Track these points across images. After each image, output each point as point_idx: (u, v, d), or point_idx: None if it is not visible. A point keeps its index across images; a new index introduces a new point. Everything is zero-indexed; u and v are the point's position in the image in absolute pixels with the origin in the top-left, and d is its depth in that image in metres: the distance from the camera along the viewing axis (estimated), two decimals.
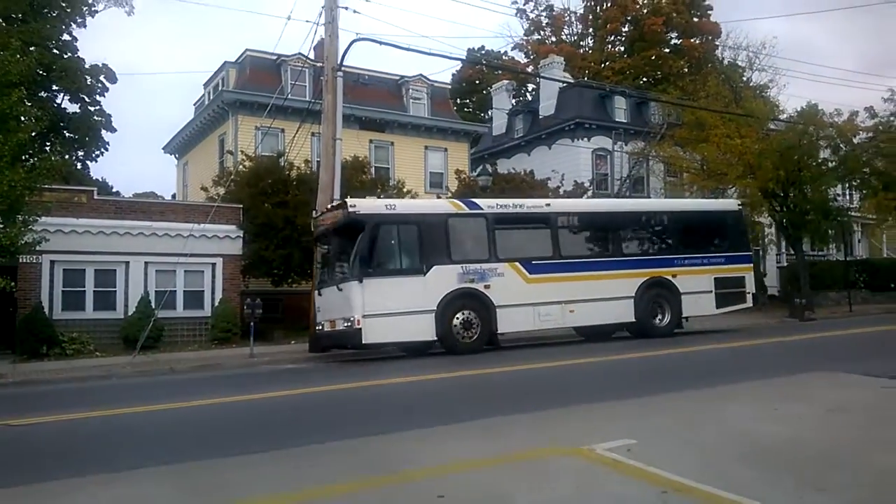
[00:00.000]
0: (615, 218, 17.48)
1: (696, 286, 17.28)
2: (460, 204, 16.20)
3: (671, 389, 8.14)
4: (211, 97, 33.65)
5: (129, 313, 19.89)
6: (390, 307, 13.97)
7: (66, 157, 30.80)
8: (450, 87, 40.77)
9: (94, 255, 20.00)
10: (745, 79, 32.94)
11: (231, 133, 29.55)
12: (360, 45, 19.80)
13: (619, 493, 4.29)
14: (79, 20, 32.88)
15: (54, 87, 32.01)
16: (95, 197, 21.29)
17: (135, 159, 67.16)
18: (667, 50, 50.70)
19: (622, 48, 53.10)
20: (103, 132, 34.09)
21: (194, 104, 37.08)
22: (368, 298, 13.83)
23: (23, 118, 17.32)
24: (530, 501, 4.27)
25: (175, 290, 20.58)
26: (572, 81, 38.98)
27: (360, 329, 13.71)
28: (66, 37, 32.29)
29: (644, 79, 49.82)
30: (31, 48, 25.44)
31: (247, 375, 13.86)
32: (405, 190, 25.14)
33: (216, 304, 21.08)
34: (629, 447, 5.17)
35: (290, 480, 4.79)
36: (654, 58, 49.42)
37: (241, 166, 24.12)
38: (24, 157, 18.44)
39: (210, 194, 24.00)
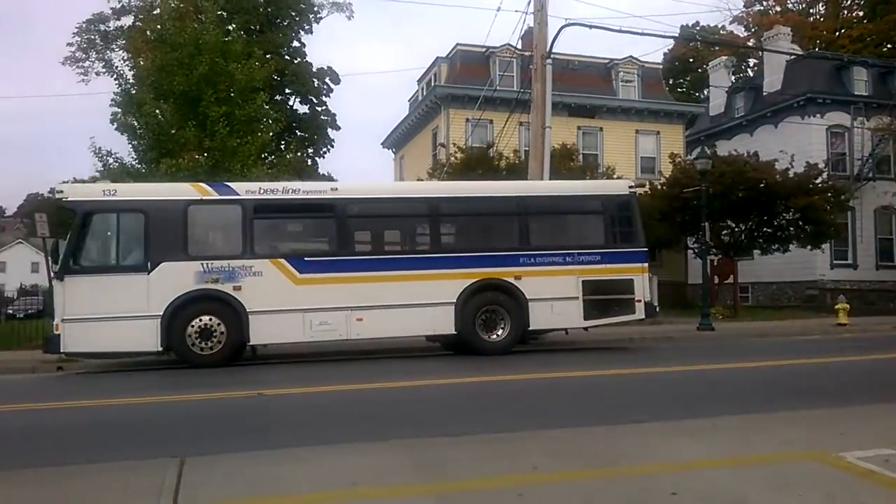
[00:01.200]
0: (433, 205, 13.84)
1: (552, 291, 13.55)
2: (207, 188, 13.13)
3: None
4: (424, 93, 35.11)
5: None
6: (99, 311, 11.88)
7: (299, 154, 33.85)
8: (661, 67, 38.97)
9: None
10: None
11: (443, 126, 30.65)
12: (568, 31, 19.55)
13: None
14: (306, 27, 35.98)
15: (287, 91, 35.29)
16: None
17: (356, 154, 72.21)
18: None
19: (861, 13, 47.48)
20: (329, 130, 37.03)
21: (408, 100, 38.95)
22: (70, 299, 11.93)
23: (263, 120, 19.31)
24: None
25: None
26: (802, 53, 35.54)
27: (59, 335, 11.87)
28: (295, 44, 35.46)
29: (889, 45, 44.18)
30: (268, 56, 28.22)
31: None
32: (615, 176, 24.52)
33: None
34: (887, 458, 4.60)
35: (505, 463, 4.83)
36: None
37: (452, 158, 24.94)
38: (263, 156, 20.53)
39: None
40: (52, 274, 12.74)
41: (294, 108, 35.65)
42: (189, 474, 4.38)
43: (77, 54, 34.00)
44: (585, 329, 14.64)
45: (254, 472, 4.50)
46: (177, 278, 12.21)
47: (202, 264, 12.33)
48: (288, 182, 14.16)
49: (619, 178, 24.57)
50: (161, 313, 12.04)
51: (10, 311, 30.29)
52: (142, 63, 20.65)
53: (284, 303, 12.53)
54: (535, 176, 17.68)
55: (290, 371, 12.14)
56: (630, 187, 14.72)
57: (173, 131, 17.10)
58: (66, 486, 4.46)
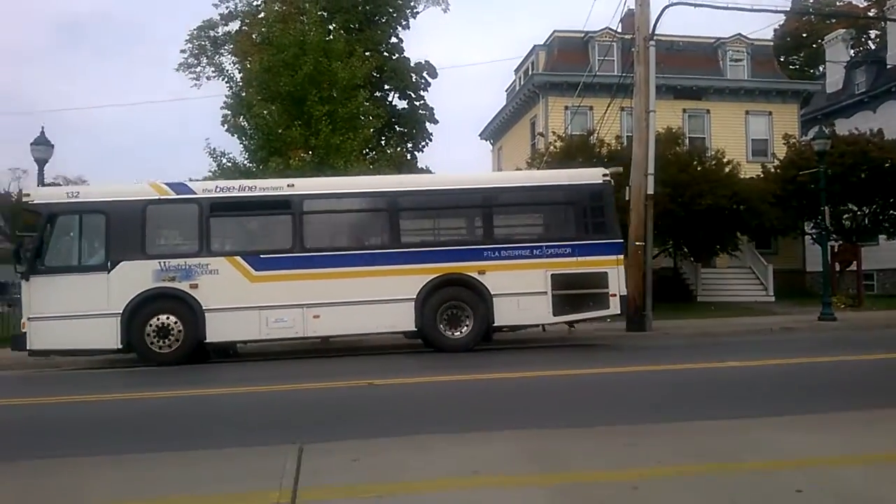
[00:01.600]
0: (392, 199, 13.43)
1: (518, 286, 13.05)
2: (165, 188, 13.25)
3: None
4: (521, 82, 34.89)
5: None
6: (63, 309, 12.23)
7: (399, 149, 34.39)
8: (772, 44, 37.05)
9: None
10: None
11: (541, 115, 30.38)
12: (672, 10, 18.83)
13: None
14: (403, 23, 36.37)
15: (386, 87, 35.85)
16: None
17: (453, 147, 72.75)
18: None
19: None
20: (427, 124, 37.35)
21: (506, 90, 38.78)
22: (35, 298, 12.35)
23: (363, 117, 19.72)
24: None
25: None
26: None
27: (26, 333, 12.28)
28: (393, 40, 35.93)
29: None
30: (367, 53, 28.78)
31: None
32: (725, 160, 23.57)
33: None
34: None
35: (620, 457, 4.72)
36: None
37: (552, 147, 24.67)
38: (364, 152, 20.97)
39: None
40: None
41: (393, 103, 36.19)
42: (308, 460, 4.52)
43: (189, 60, 35.84)
44: (570, 325, 14.25)
45: (373, 459, 4.60)
46: (136, 277, 12.48)
47: (160, 263, 12.57)
48: (245, 180, 14.30)
49: (728, 162, 23.61)
50: (121, 311, 12.33)
51: None
52: (249, 65, 21.50)
53: (240, 300, 12.60)
54: (640, 162, 17.23)
55: (364, 364, 12.33)
56: (604, 175, 13.92)
57: (280, 131, 17.72)
58: (193, 469, 4.70)
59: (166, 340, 12.55)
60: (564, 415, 6.64)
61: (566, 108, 27.94)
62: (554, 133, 25.02)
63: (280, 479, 4.16)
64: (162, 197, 13.05)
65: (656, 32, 18.07)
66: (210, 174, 20.79)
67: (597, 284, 13.22)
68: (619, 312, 13.58)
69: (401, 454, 4.83)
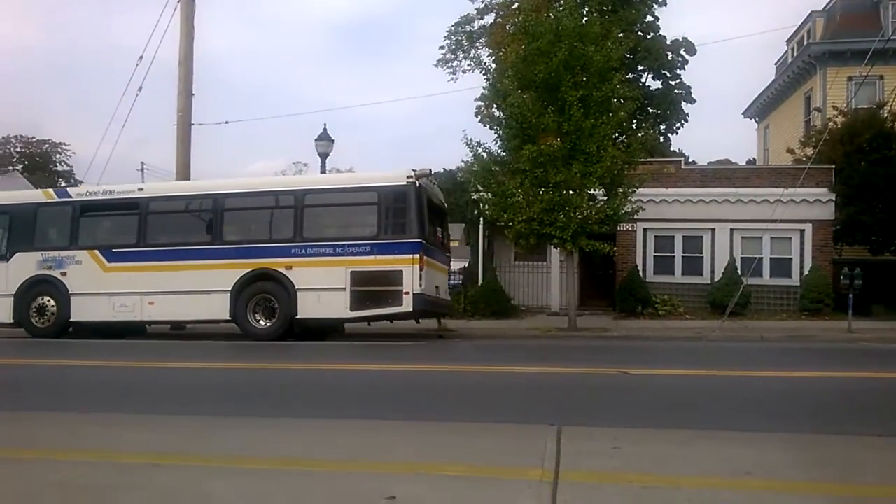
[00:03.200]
0: (218, 200, 15.28)
1: (320, 281, 14.15)
2: (52, 194, 16.87)
3: None
4: (795, 53, 31.83)
5: (716, 279, 20.35)
6: None
7: (651, 131, 33.06)
8: None
9: (681, 222, 21.20)
10: None
11: (819, 88, 27.44)
12: None
13: None
14: (660, 1, 34.74)
15: (639, 68, 34.57)
16: (682, 167, 22.37)
17: (708, 127, 68.12)
18: None
19: None
20: (683, 104, 35.42)
21: (775, 63, 35.58)
22: None
23: (617, 100, 19.19)
24: None
25: (761, 257, 20.21)
26: None
27: None
28: (648, 18, 34.47)
29: None
30: (621, 34, 27.94)
31: (844, 351, 12.73)
32: None
33: (805, 272, 19.94)
34: None
35: None
36: None
37: (831, 123, 22.16)
38: (615, 136, 20.41)
39: (796, 156, 22.76)
40: None
41: (646, 84, 34.80)
42: (567, 443, 4.51)
43: (447, 56, 37.56)
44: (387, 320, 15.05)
45: (634, 449, 4.46)
46: (25, 265, 15.67)
47: (41, 254, 15.68)
48: (108, 185, 16.82)
49: None
50: (14, 293, 15.58)
51: None
52: (503, 56, 21.97)
53: (96, 287, 15.22)
54: None
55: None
56: (408, 177, 14.36)
57: (534, 119, 17.83)
58: (448, 440, 4.90)
59: (43, 317, 15.66)
60: (846, 419, 5.91)
61: (849, 79, 24.92)
62: (834, 107, 22.44)
63: (542, 458, 4.18)
64: (49, 201, 16.55)
65: None
66: (462, 163, 21.65)
67: (392, 282, 13.99)
68: (411, 310, 14.01)
69: (661, 447, 4.64)
